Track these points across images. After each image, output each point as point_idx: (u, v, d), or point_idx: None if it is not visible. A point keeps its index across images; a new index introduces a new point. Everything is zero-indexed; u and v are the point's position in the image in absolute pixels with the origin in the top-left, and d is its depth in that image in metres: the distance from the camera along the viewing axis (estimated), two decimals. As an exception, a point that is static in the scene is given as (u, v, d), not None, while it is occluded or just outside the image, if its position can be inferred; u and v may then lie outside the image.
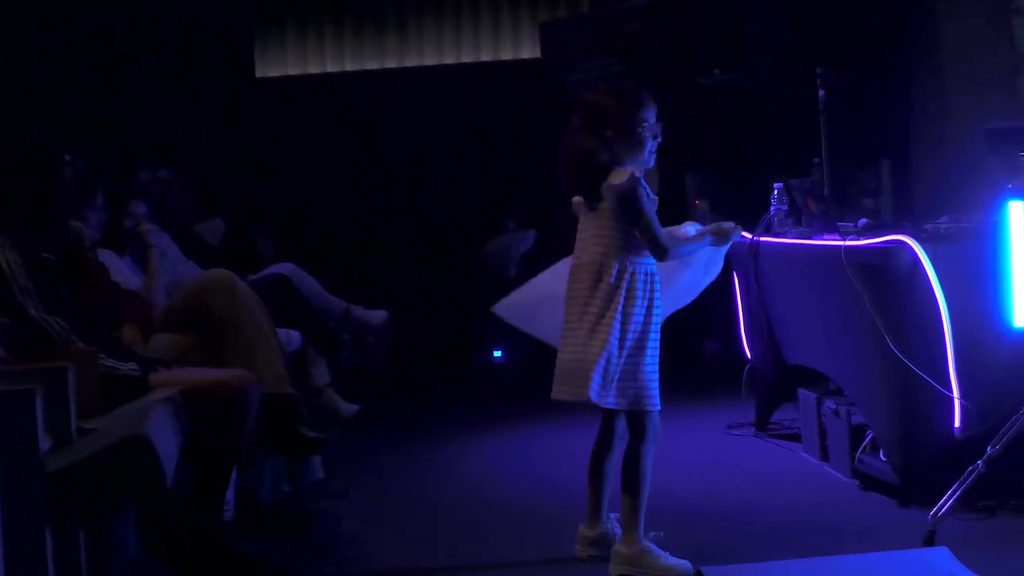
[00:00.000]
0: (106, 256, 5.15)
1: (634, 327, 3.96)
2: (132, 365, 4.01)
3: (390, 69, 10.32)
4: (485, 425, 6.83)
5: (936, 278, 4.50)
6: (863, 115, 7.28)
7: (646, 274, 4.01)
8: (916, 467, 4.57)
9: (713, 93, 8.12)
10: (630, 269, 3.98)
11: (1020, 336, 4.32)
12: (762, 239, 5.70)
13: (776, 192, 5.64)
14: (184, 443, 3.76)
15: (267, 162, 9.86)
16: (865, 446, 4.93)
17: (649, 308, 4.01)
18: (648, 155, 4.06)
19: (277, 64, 10.43)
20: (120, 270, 5.19)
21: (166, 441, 3.49)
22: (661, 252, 3.99)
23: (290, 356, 5.20)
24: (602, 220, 4.03)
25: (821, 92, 5.87)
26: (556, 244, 4.59)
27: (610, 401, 3.98)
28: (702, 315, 8.22)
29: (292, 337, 5.46)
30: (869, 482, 4.86)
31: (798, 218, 5.49)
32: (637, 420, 4.05)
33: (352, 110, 10.03)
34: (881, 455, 4.77)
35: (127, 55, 9.61)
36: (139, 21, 9.67)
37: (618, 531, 4.11)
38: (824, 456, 5.34)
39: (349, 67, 10.39)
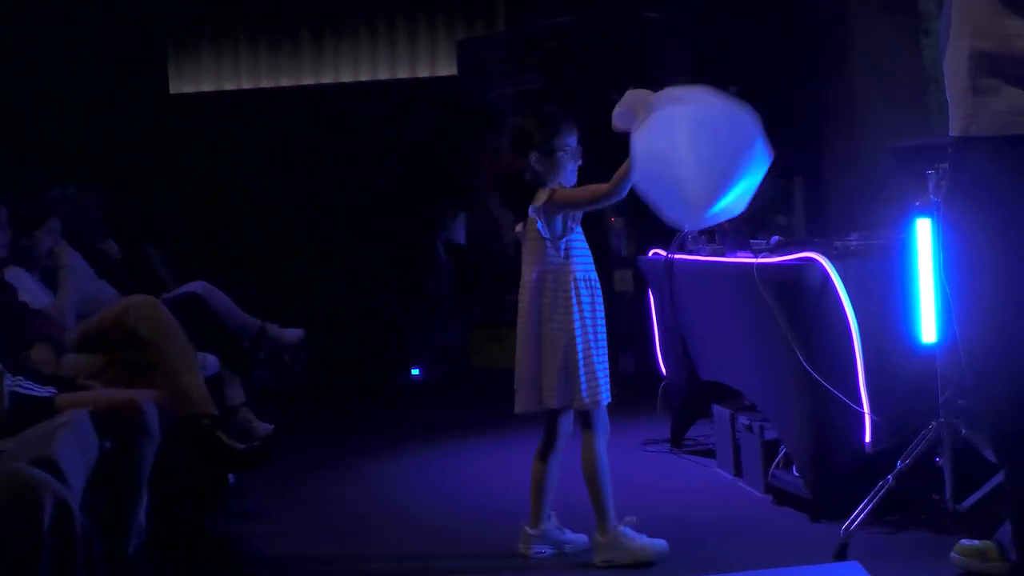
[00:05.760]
0: (15, 273, 5.07)
1: (581, 330, 4.24)
2: (50, 388, 3.95)
3: (306, 86, 10.27)
4: (404, 444, 6.80)
5: (846, 294, 4.56)
6: (775, 132, 7.34)
7: (584, 279, 4.30)
8: (828, 482, 4.61)
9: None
10: (566, 278, 4.27)
11: (928, 352, 4.39)
12: (676, 256, 5.74)
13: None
14: (94, 465, 3.70)
15: (181, 178, 9.76)
16: (778, 461, 4.97)
17: (592, 310, 4.30)
18: (569, 175, 4.33)
19: (191, 80, 10.34)
20: (29, 289, 5.11)
21: (74, 463, 3.43)
22: (614, 196, 4.18)
23: (206, 380, 5.16)
24: (533, 238, 4.33)
25: (734, 110, 5.91)
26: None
27: (565, 402, 4.27)
28: (617, 331, 8.29)
29: (209, 361, 5.40)
30: (782, 497, 4.90)
31: (711, 235, 5.54)
32: (589, 415, 4.31)
33: (267, 127, 9.96)
34: (794, 470, 4.81)
35: (38, 69, 9.47)
36: (51, 35, 9.54)
37: (565, 534, 4.42)
38: (738, 472, 5.38)
39: (264, 83, 10.32)
